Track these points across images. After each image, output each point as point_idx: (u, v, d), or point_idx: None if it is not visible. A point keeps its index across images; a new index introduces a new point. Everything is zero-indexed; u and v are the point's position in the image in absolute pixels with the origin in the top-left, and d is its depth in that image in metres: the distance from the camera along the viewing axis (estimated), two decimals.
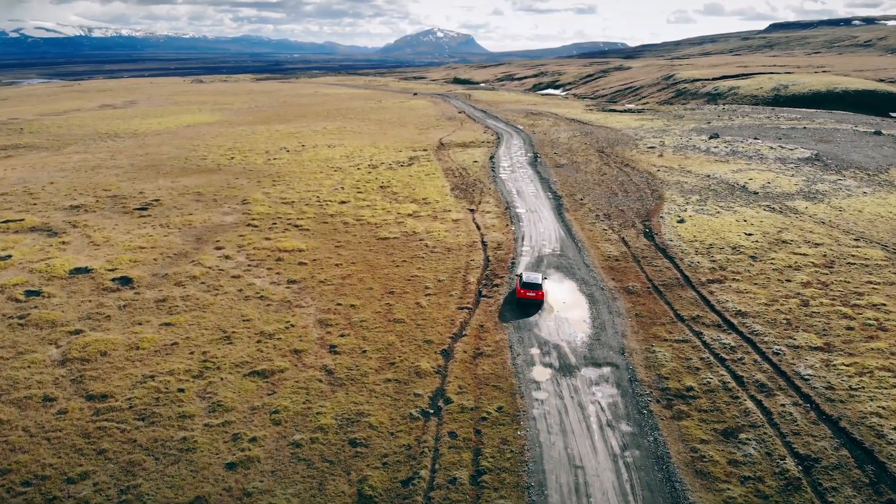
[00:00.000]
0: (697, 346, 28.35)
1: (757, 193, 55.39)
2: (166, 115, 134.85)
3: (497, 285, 36.10)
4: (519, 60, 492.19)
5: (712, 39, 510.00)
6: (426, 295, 34.61)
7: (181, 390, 25.05)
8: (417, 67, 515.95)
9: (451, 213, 51.23)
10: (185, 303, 33.63)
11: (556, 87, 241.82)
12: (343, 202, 55.39)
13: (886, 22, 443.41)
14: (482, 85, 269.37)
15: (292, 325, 30.68)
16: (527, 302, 32.62)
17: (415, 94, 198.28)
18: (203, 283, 36.56)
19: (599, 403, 23.98)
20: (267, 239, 44.81)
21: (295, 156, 79.69)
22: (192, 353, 28.12)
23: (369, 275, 37.81)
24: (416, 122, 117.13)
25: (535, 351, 28.02)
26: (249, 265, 39.47)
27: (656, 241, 43.15)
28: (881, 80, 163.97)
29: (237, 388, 25.17)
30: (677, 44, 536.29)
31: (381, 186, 61.35)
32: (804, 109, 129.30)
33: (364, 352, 28.05)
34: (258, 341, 29.09)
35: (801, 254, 40.06)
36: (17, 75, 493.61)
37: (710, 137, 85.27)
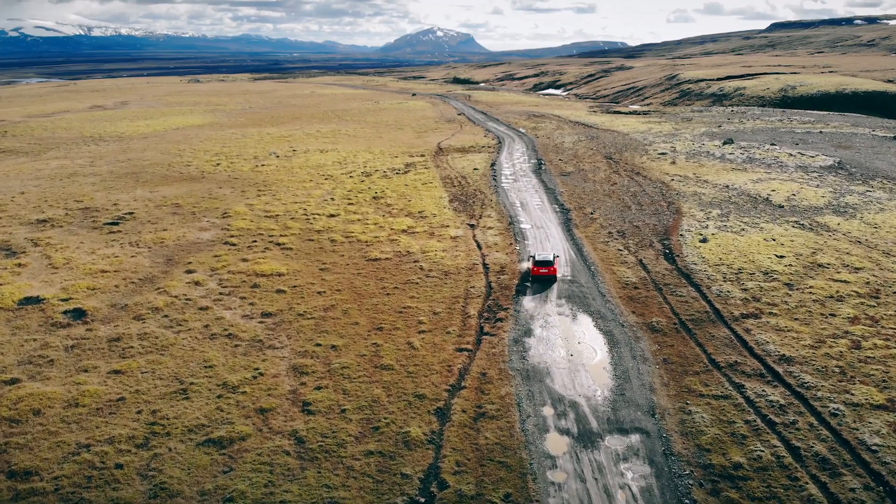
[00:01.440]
0: (740, 403, 23.88)
1: (782, 207, 50.85)
2: (156, 116, 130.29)
3: (501, 319, 31.66)
4: (519, 60, 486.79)
5: (713, 39, 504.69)
6: (419, 332, 30.18)
7: (119, 466, 20.60)
8: (417, 67, 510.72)
9: (450, 229, 46.80)
10: (141, 342, 29.19)
11: (557, 87, 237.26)
12: (332, 215, 50.96)
13: (889, 21, 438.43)
14: (482, 85, 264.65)
15: (261, 374, 26.23)
16: (541, 278, 36.32)
17: (413, 94, 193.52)
18: (166, 316, 32.13)
19: (630, 488, 19.44)
20: (244, 260, 40.38)
21: (284, 162, 75.21)
22: (139, 412, 23.68)
23: (356, 305, 33.38)
24: (414, 125, 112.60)
25: (548, 411, 23.50)
26: (221, 293, 35.01)
27: (678, 264, 38.67)
28: (890, 81, 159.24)
29: (187, 464, 20.72)
30: (678, 43, 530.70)
31: (374, 197, 56.92)
32: (815, 112, 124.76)
33: (343, 411, 23.59)
34: (219, 396, 24.64)
35: (841, 280, 35.59)
36: (16, 74, 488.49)
37: (724, 143, 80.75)
